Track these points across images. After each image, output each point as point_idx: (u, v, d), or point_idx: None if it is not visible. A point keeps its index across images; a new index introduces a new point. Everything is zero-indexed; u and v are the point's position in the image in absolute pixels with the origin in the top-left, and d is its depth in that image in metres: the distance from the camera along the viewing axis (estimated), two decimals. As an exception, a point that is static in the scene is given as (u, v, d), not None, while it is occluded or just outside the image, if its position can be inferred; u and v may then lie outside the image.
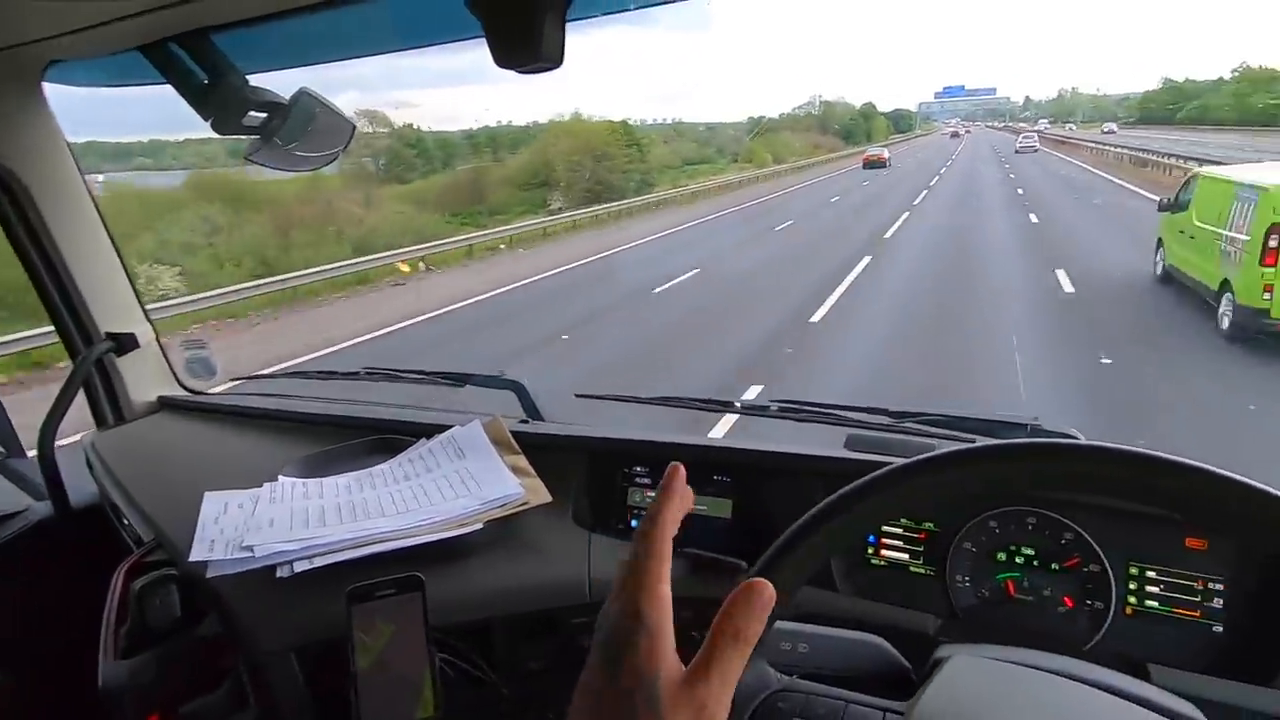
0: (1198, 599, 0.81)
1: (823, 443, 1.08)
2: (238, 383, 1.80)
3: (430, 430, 1.17)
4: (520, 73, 0.77)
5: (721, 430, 3.72)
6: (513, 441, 1.08)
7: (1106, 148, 29.36)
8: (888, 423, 1.09)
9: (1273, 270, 5.34)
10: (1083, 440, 0.70)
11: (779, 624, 0.61)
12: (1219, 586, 0.80)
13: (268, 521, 0.95)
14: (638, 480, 1.08)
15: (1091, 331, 6.47)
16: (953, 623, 0.87)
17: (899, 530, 0.94)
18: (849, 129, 63.92)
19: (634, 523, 1.07)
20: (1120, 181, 19.09)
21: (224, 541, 0.92)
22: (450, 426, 1.15)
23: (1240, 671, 0.75)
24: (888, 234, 13.13)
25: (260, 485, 1.07)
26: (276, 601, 0.88)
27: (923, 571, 0.93)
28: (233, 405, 1.48)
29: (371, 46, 1.23)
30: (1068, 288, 7.85)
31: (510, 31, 0.73)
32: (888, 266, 10.59)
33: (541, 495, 0.97)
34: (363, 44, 1.20)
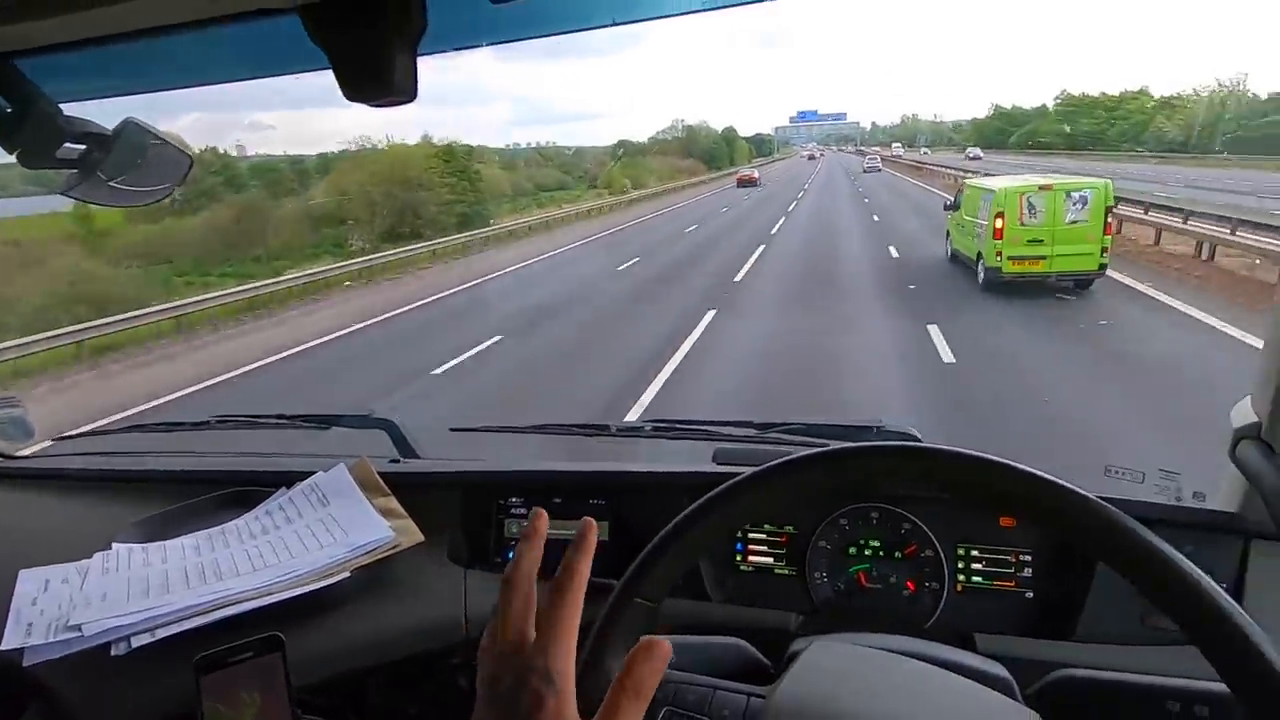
0: (1012, 571, 0.93)
1: (693, 458, 1.14)
2: (58, 443, 1.60)
3: (292, 478, 1.11)
4: (372, 105, 0.76)
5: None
6: (380, 483, 1.05)
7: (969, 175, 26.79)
8: (753, 434, 1.16)
9: (1000, 242, 8.54)
10: (916, 442, 0.79)
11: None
12: (1028, 558, 0.93)
13: (99, 595, 0.86)
14: (513, 512, 1.08)
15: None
16: (813, 617, 0.93)
17: (763, 535, 1.01)
18: (712, 153, 64.39)
19: (509, 554, 1.07)
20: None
21: (45, 623, 0.82)
22: (314, 473, 1.10)
23: (1047, 630, 0.87)
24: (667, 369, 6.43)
25: (90, 556, 0.96)
26: (114, 681, 0.80)
27: (786, 572, 1.00)
28: (53, 469, 1.32)
29: (208, 75, 1.16)
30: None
31: (358, 64, 0.72)
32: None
33: (413, 536, 0.95)
34: (198, 72, 1.13)
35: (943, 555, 0.94)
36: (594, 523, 0.48)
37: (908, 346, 6.77)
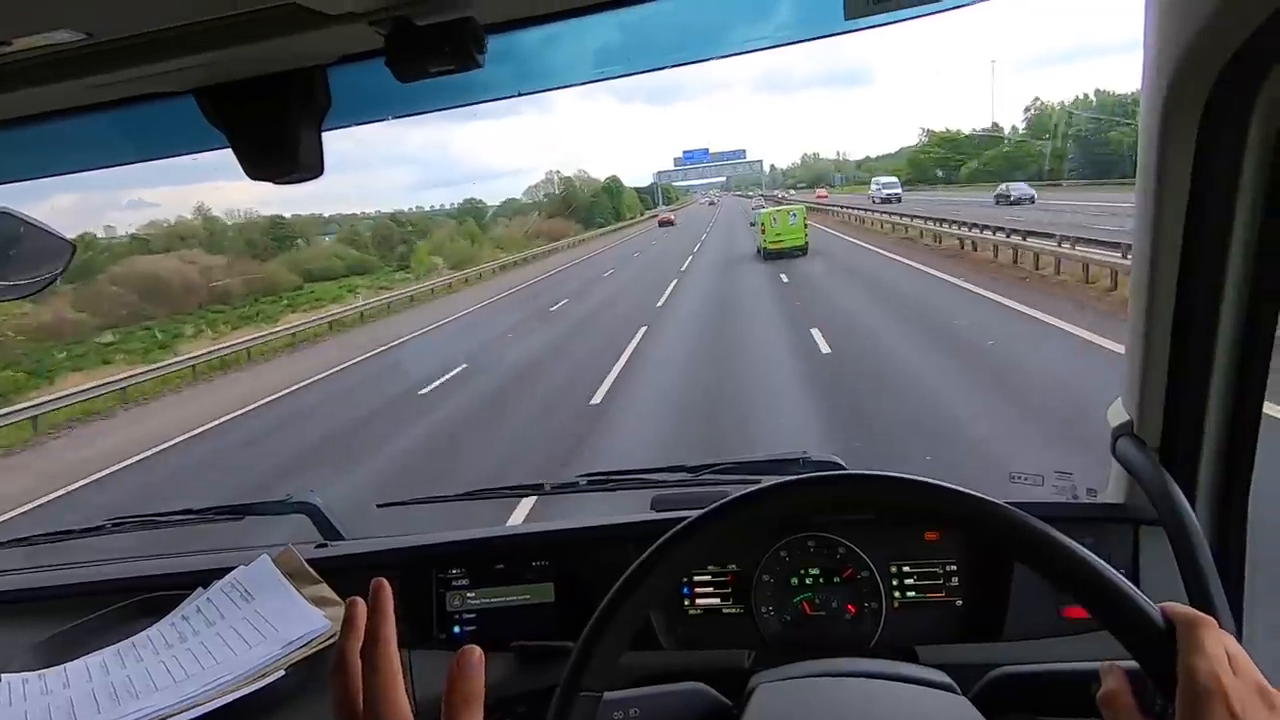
0: (941, 582, 0.98)
1: (632, 508, 1.15)
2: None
3: (208, 577, 1.03)
4: (278, 183, 0.75)
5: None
6: (309, 570, 1.00)
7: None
8: (687, 478, 1.19)
9: (765, 237, 19.46)
10: (842, 470, 0.84)
11: (609, 695, 0.63)
12: (953, 569, 0.98)
13: None
14: (455, 584, 1.05)
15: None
16: (764, 652, 0.95)
17: (708, 577, 1.02)
18: (591, 208, 51.59)
19: (457, 630, 1.04)
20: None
21: None
22: (233, 569, 1.03)
23: (978, 634, 0.93)
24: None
25: None
26: None
27: (734, 611, 1.01)
28: None
29: (95, 159, 1.11)
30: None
31: (261, 143, 0.71)
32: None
33: None
34: (85, 157, 1.08)
35: (878, 575, 0.98)
36: (385, 583, 0.50)
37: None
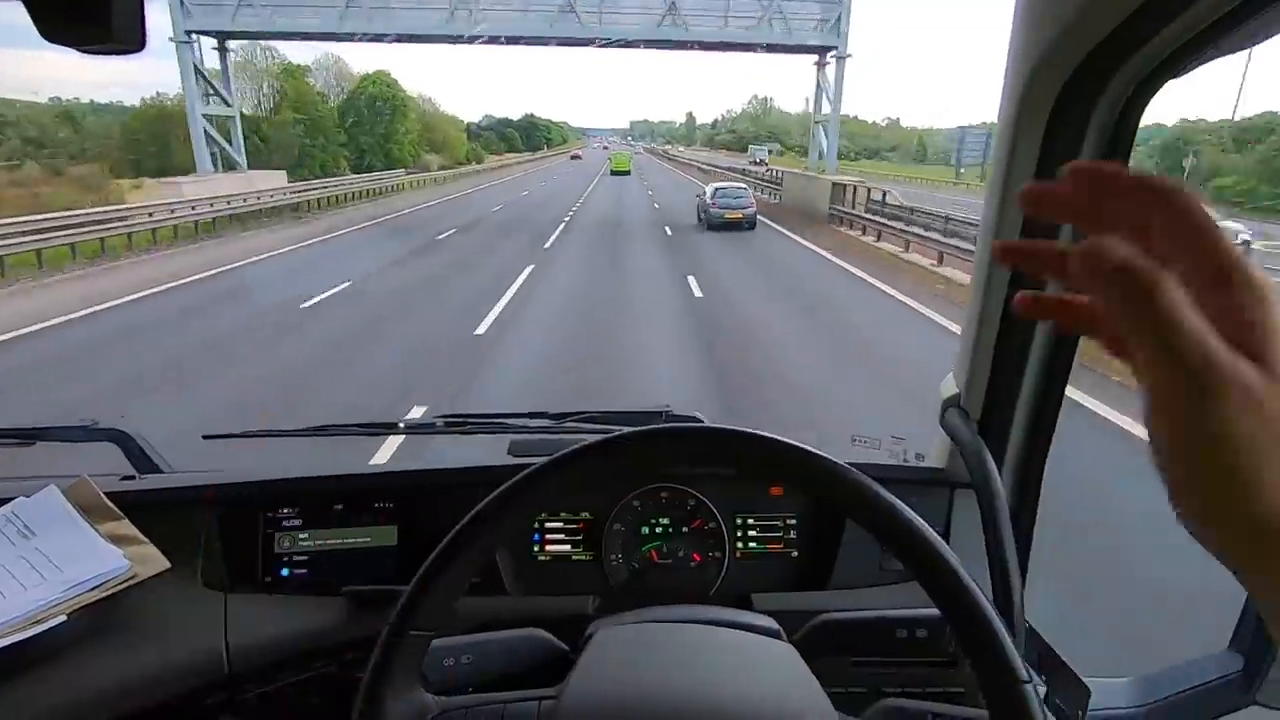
0: (780, 534, 1.04)
1: (488, 453, 1.11)
2: None
3: None
4: (85, 52, 0.64)
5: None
6: (109, 504, 0.88)
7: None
8: (549, 424, 1.17)
9: (610, 164, 49.48)
10: (700, 424, 0.85)
11: (438, 642, 0.61)
12: (793, 522, 1.04)
13: None
14: (285, 525, 0.97)
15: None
16: (609, 599, 0.97)
17: (560, 524, 1.02)
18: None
19: (284, 571, 0.96)
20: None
21: None
22: (13, 499, 0.89)
23: (808, 583, 0.99)
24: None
25: None
26: None
27: (584, 558, 1.02)
28: None
29: None
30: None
31: (61, 5, 0.59)
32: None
33: (155, 563, 0.81)
34: None
35: (724, 526, 1.02)
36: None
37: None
